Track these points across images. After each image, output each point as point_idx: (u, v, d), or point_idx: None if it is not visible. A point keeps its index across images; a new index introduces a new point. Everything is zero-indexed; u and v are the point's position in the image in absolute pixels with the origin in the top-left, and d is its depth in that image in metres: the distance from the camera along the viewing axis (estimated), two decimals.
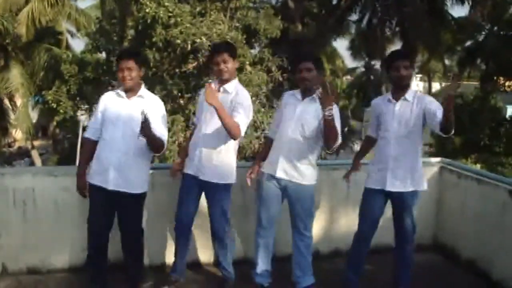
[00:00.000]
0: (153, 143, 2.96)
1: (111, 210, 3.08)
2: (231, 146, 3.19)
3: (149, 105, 3.02)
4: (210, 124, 3.14)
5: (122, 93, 3.08)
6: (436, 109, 2.92)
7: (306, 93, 3.17)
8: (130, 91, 3.06)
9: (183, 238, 3.34)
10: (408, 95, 3.10)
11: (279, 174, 3.16)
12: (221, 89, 3.16)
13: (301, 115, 3.13)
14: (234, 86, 3.19)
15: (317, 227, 3.82)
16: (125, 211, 3.09)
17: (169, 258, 3.59)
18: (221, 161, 3.16)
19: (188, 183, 3.25)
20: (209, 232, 3.36)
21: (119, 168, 2.98)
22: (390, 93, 3.20)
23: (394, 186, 3.11)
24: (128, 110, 3.02)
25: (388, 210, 3.25)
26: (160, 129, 3.02)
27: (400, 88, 3.12)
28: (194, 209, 3.29)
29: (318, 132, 3.09)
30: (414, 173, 3.11)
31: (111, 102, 3.10)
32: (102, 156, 3.02)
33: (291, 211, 3.25)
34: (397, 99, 3.12)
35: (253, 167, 3.38)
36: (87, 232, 3.13)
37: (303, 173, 3.16)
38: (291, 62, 3.49)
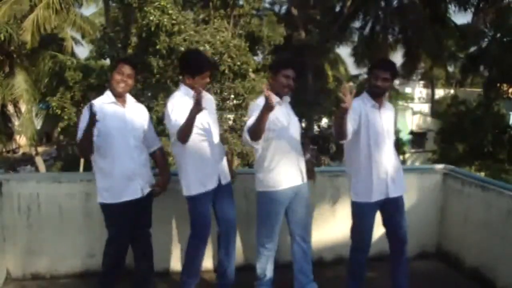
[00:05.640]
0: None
1: (134, 216, 3.08)
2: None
3: (141, 112, 3.17)
4: (215, 132, 3.15)
5: (113, 99, 3.02)
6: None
7: (280, 97, 3.10)
8: (120, 97, 3.05)
9: (204, 245, 3.25)
10: (387, 102, 3.19)
11: (298, 181, 3.14)
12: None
13: (293, 118, 3.16)
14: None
15: (320, 234, 3.81)
16: (146, 209, 3.15)
17: (172, 264, 3.60)
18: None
19: (208, 199, 3.14)
20: (211, 240, 3.34)
21: (141, 174, 3.03)
22: (369, 98, 3.08)
23: (395, 191, 3.13)
24: (129, 117, 3.05)
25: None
26: (154, 135, 3.24)
27: (376, 96, 3.09)
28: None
29: None
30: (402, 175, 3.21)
31: (109, 112, 2.99)
32: (124, 167, 2.96)
33: (294, 218, 3.19)
34: (379, 107, 3.10)
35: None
36: (113, 243, 3.05)
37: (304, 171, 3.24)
38: (274, 64, 3.26)
